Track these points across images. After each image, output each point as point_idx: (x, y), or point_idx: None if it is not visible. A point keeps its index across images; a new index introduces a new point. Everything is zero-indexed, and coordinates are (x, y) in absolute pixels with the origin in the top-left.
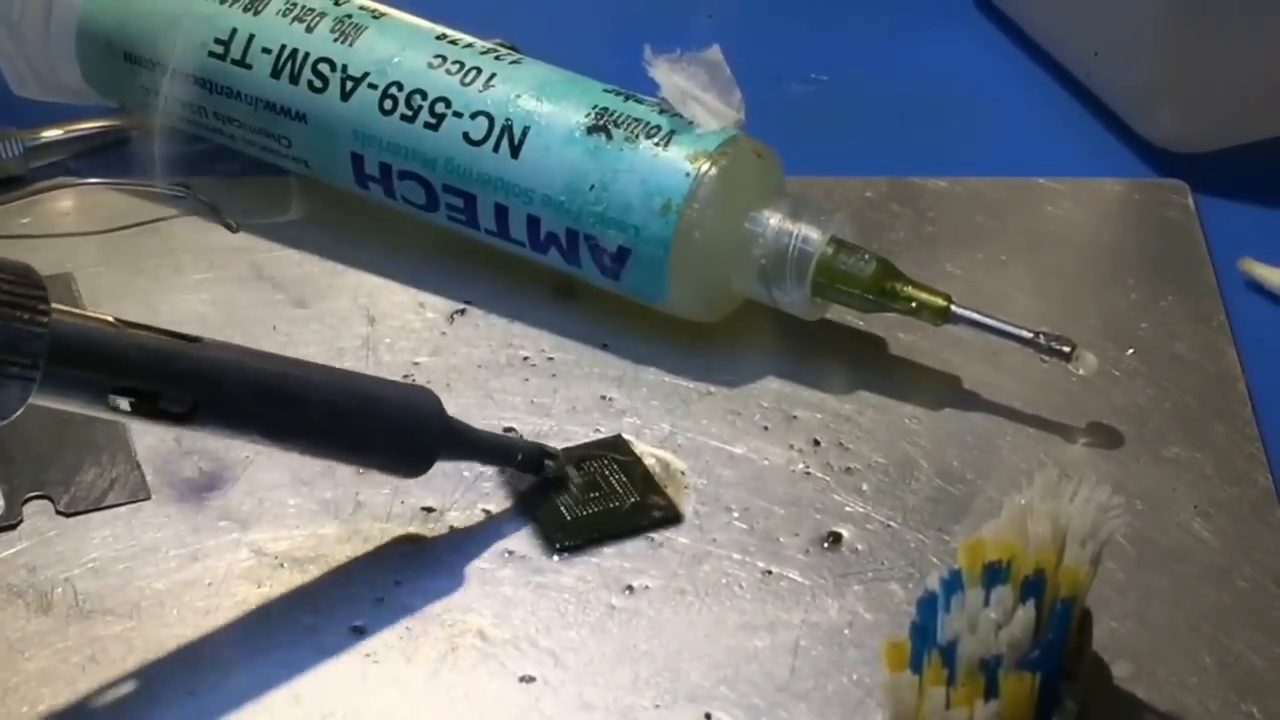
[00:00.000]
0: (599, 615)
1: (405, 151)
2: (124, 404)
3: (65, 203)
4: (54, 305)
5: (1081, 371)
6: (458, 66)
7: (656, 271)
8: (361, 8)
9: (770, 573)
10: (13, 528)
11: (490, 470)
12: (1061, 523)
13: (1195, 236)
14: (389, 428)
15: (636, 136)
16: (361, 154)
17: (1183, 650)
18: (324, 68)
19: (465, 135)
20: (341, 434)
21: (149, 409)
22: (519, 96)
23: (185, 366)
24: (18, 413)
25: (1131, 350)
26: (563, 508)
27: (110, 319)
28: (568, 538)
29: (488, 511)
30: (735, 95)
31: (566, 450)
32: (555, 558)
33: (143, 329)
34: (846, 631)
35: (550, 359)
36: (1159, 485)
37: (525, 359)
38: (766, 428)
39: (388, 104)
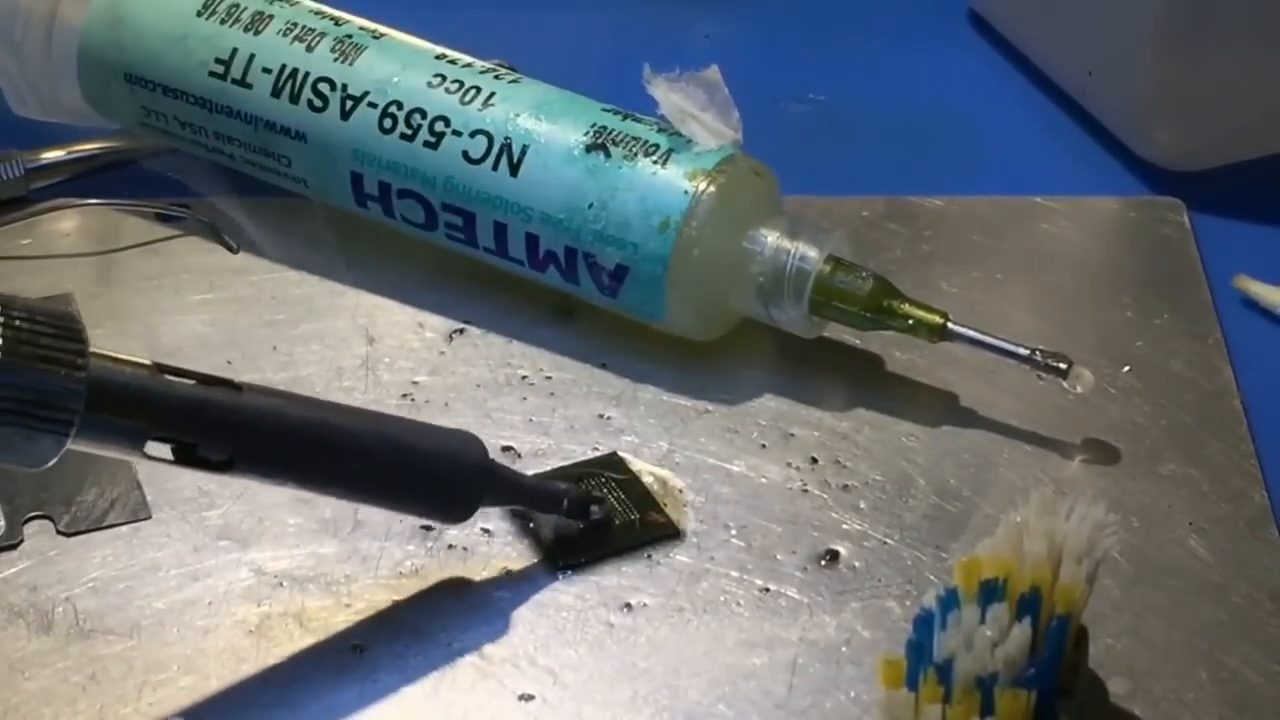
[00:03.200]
0: (597, 633)
1: (404, 170)
2: (163, 451)
3: (66, 223)
4: (93, 351)
5: (1078, 389)
6: (457, 86)
7: (655, 289)
8: (361, 28)
9: (768, 590)
10: (13, 547)
11: None
12: (1057, 540)
13: (1191, 254)
14: (430, 476)
15: (635, 155)
16: (361, 173)
17: (1179, 667)
18: (324, 87)
19: (464, 154)
20: (381, 483)
21: (187, 457)
22: (518, 115)
23: (223, 416)
24: (52, 461)
25: (1127, 367)
26: (562, 526)
27: (149, 364)
28: (569, 556)
29: (486, 530)
30: (733, 114)
31: (563, 469)
32: (556, 576)
33: (182, 375)
34: (844, 649)
35: (549, 378)
36: (1155, 502)
37: (524, 378)
38: (764, 445)
39: (387, 123)
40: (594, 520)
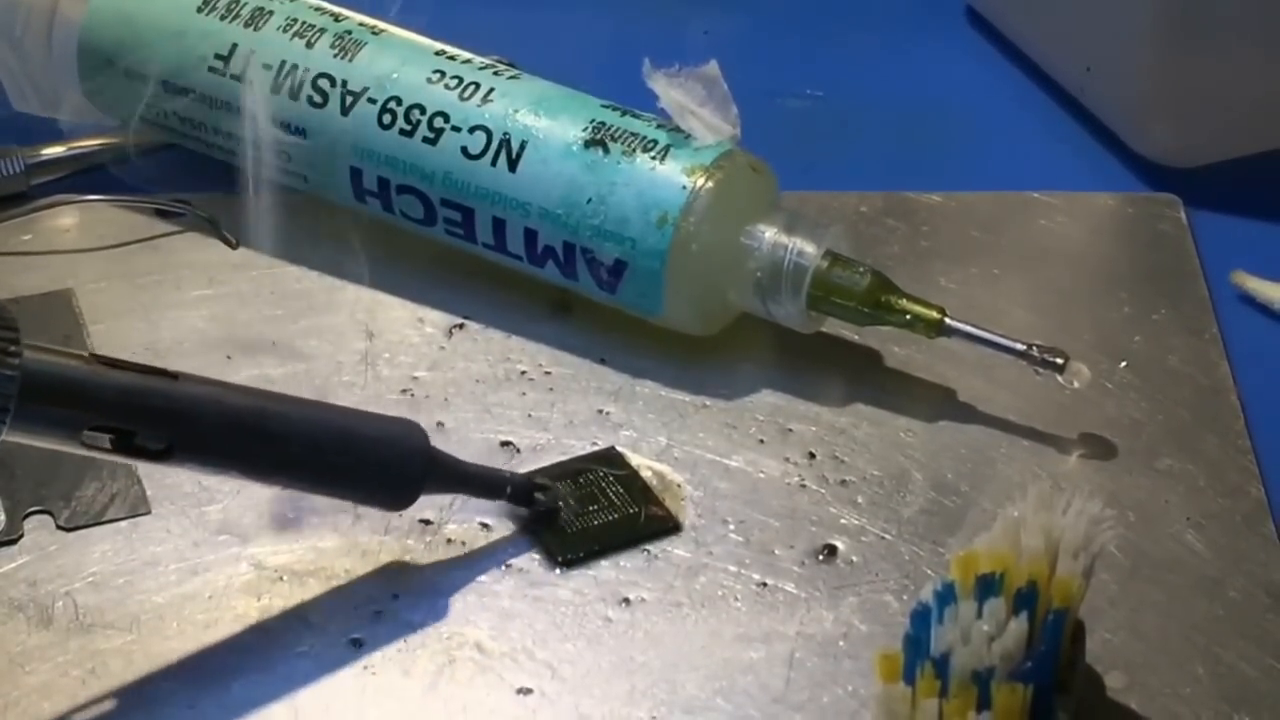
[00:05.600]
0: (596, 627)
1: (404, 166)
2: (102, 441)
3: (66, 219)
4: (26, 343)
5: (1075, 384)
6: (456, 81)
7: (653, 284)
8: (361, 24)
9: (766, 585)
10: (13, 542)
11: None
12: (1054, 535)
13: (1188, 250)
14: (370, 462)
15: (633, 150)
16: (360, 168)
17: (1176, 661)
18: (324, 83)
19: (463, 149)
20: (322, 469)
21: (126, 446)
22: (517, 111)
23: (161, 404)
24: None
25: (1124, 363)
26: (562, 522)
27: (85, 355)
28: (569, 551)
29: (485, 525)
30: (732, 110)
31: (561, 464)
32: (556, 571)
33: (119, 366)
34: (841, 643)
35: (547, 373)
36: (1152, 497)
37: (523, 373)
38: (762, 440)
39: (386, 119)
40: (539, 509)
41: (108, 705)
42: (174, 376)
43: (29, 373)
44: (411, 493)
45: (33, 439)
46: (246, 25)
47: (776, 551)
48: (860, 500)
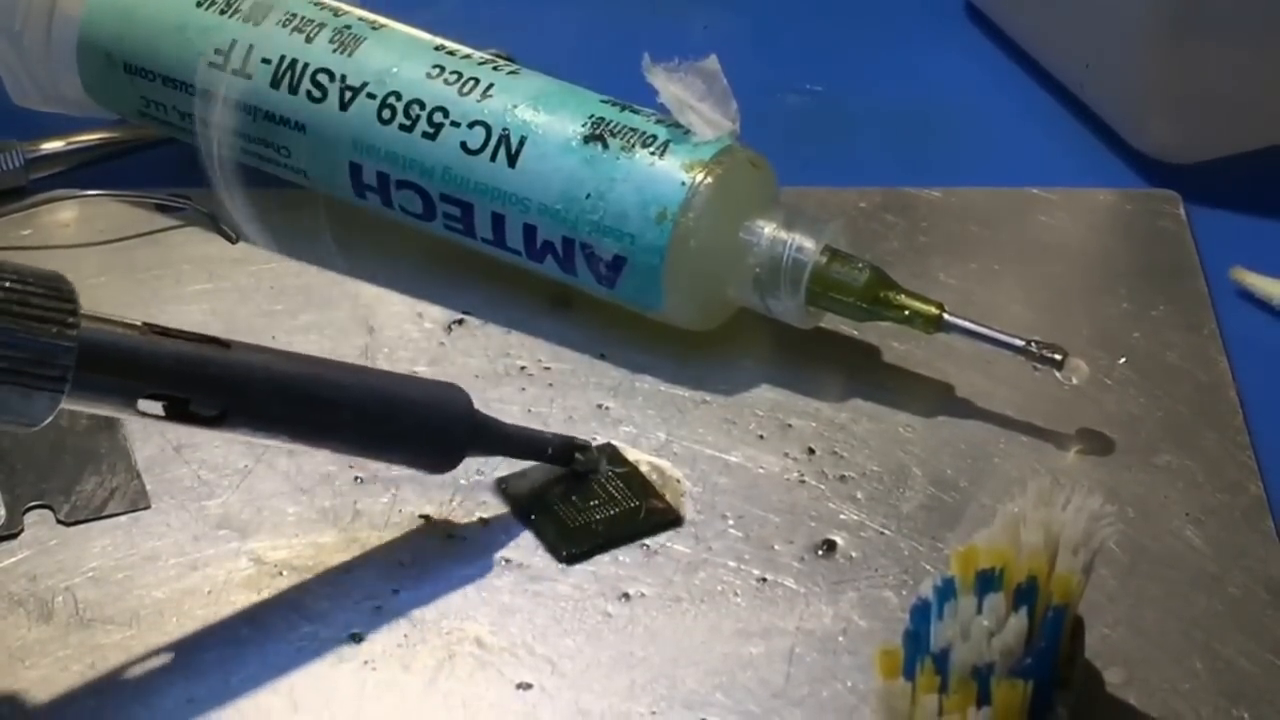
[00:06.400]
0: (595, 622)
1: (403, 161)
2: (156, 408)
3: (66, 214)
4: (84, 313)
5: (1074, 380)
6: (455, 77)
7: (652, 280)
8: (360, 19)
9: (765, 580)
10: (14, 537)
11: (487, 479)
12: (1054, 530)
13: (1187, 246)
14: (417, 425)
15: (633, 146)
16: (360, 163)
17: (1175, 656)
18: (323, 78)
19: (463, 145)
20: (370, 433)
21: (180, 413)
22: (516, 106)
23: (215, 371)
24: (47, 420)
25: (1123, 359)
26: (564, 516)
27: (139, 324)
28: (573, 545)
29: (485, 520)
30: (731, 105)
31: None
32: (556, 566)
33: (172, 335)
34: (841, 638)
35: (547, 368)
36: (1151, 493)
37: (522, 368)
38: (762, 436)
39: (386, 114)
40: (579, 469)
41: (107, 700)
42: (226, 345)
43: (86, 342)
44: (456, 455)
45: (90, 406)
46: (246, 20)
47: (776, 547)
48: (859, 495)
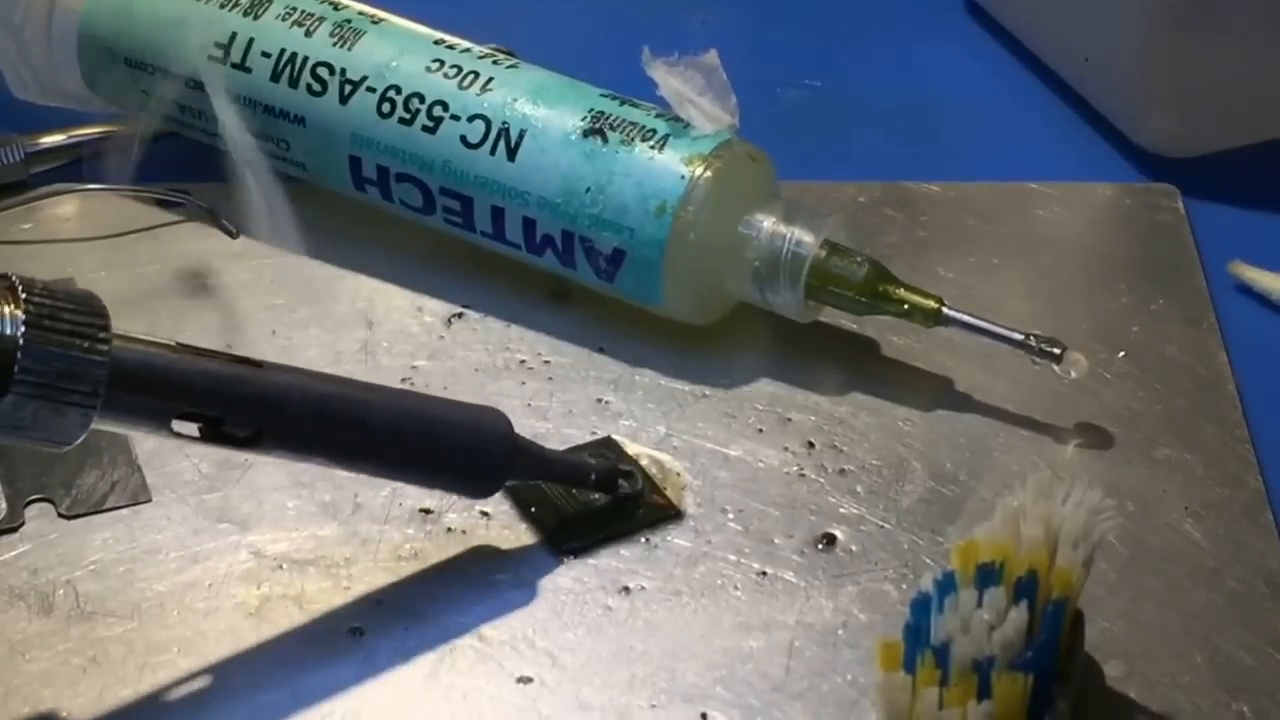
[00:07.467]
0: (596, 616)
1: (403, 154)
2: (191, 429)
3: (66, 208)
4: (116, 332)
5: (1073, 374)
6: (455, 70)
7: (651, 273)
8: (360, 13)
9: (765, 574)
10: (15, 530)
11: None
12: (1054, 524)
13: (1185, 240)
14: (455, 449)
15: (632, 140)
16: (359, 157)
17: (1174, 650)
18: (323, 71)
19: (462, 138)
20: (407, 457)
21: (214, 434)
22: (516, 100)
23: (249, 392)
24: (79, 439)
25: (1122, 353)
26: (564, 510)
27: (173, 344)
28: (573, 539)
29: (485, 513)
30: (731, 99)
31: (561, 454)
32: (554, 559)
33: (205, 354)
34: (841, 632)
35: (546, 362)
36: (1150, 487)
37: (522, 362)
38: (761, 430)
39: (386, 107)
40: (623, 494)
41: (108, 693)
42: (259, 365)
43: (118, 360)
44: (496, 480)
45: (124, 427)
46: (246, 14)
47: (776, 540)
48: (859, 489)
